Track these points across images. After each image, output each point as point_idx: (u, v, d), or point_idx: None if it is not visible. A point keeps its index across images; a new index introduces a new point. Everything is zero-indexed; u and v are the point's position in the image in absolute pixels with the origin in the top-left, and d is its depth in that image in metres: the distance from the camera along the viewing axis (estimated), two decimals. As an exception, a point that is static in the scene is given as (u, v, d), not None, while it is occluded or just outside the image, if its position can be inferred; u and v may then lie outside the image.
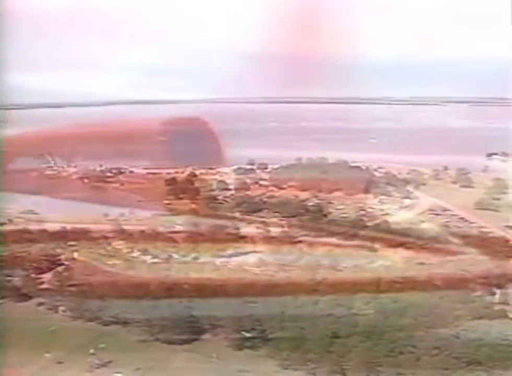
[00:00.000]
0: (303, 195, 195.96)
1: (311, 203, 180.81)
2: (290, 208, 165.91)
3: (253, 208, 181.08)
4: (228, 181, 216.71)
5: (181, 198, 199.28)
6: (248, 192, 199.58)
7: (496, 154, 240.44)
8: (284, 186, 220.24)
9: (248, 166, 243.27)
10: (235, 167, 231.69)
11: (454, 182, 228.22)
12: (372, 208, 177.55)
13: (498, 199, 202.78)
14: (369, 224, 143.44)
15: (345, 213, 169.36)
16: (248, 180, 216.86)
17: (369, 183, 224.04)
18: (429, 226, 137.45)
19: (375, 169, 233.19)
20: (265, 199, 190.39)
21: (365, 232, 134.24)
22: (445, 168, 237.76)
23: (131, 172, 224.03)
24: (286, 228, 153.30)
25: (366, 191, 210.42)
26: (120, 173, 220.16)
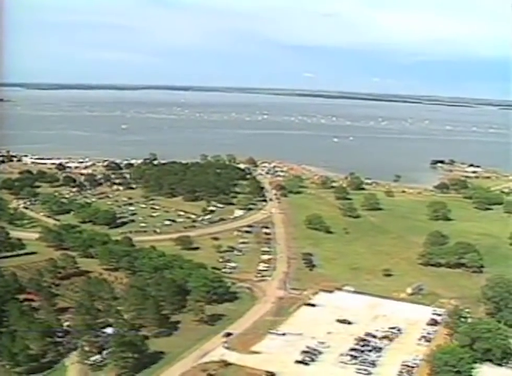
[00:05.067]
0: (138, 198, 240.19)
1: (127, 210, 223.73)
2: (88, 213, 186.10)
3: (59, 209, 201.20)
4: (76, 177, 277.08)
5: (13, 193, 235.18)
6: (98, 192, 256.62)
7: (442, 162, 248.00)
8: (134, 186, 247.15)
9: (126, 162, 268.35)
10: (107, 162, 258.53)
11: (335, 192, 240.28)
12: (189, 217, 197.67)
13: (353, 217, 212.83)
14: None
15: (146, 222, 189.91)
16: (100, 177, 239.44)
17: (218, 189, 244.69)
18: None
19: (274, 172, 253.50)
20: (81, 201, 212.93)
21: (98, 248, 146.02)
22: (351, 174, 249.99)
23: (19, 160, 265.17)
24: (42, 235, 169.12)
25: (204, 198, 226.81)
26: (10, 160, 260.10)
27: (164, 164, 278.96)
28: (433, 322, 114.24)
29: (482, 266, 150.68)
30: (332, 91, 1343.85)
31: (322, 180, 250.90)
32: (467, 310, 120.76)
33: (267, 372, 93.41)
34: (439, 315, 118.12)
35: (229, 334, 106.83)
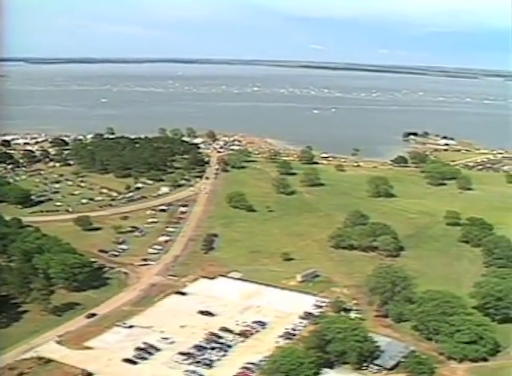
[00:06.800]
0: (69, 175, 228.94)
1: (51, 187, 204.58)
2: (3, 192, 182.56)
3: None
4: (15, 154, 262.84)
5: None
6: (33, 169, 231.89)
7: (415, 134, 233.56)
8: (72, 162, 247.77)
9: (81, 137, 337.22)
10: (53, 138, 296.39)
11: (278, 167, 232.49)
12: (110, 195, 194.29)
13: (286, 193, 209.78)
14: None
15: (63, 201, 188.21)
16: (39, 154, 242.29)
17: (150, 165, 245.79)
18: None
19: (228, 147, 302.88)
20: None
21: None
22: (308, 148, 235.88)
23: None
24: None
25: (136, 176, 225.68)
26: None
27: (111, 138, 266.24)
28: (307, 316, 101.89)
29: (401, 249, 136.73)
30: (338, 63, 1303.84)
31: (271, 155, 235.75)
32: (354, 301, 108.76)
33: (84, 371, 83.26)
34: (320, 306, 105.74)
35: (93, 315, 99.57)
